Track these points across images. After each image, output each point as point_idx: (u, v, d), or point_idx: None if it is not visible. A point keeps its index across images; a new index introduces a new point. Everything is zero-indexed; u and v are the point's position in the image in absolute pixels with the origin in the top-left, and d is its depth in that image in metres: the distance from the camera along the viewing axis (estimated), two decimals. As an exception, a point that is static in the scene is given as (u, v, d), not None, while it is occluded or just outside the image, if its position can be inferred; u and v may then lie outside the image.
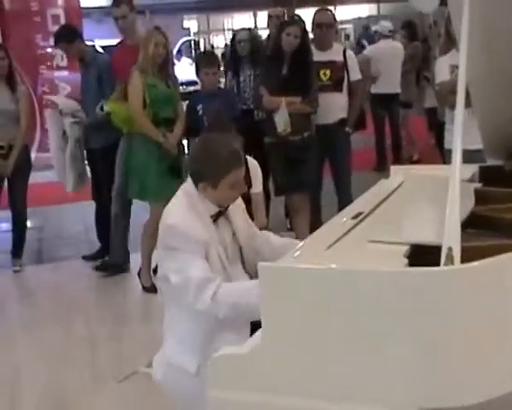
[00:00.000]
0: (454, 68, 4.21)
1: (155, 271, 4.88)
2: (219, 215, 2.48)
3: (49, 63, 7.38)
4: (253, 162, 3.76)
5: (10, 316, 4.75)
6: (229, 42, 5.94)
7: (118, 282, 5.30)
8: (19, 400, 3.49)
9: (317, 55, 5.15)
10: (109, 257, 5.42)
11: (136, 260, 5.15)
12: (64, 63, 6.63)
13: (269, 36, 5.96)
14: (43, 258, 5.91)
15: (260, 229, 2.84)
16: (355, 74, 5.35)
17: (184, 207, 2.43)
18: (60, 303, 4.86)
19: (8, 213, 5.75)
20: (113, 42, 13.57)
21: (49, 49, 7.22)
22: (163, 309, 2.58)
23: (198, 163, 2.46)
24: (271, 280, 1.87)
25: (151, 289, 4.79)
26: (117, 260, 5.34)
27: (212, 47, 22.35)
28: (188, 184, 2.50)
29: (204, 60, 5.20)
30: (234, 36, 5.78)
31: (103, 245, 5.68)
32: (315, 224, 4.39)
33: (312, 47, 5.26)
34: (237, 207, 2.59)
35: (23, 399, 3.50)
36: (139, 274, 4.97)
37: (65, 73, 6.10)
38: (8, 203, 5.61)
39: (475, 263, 1.72)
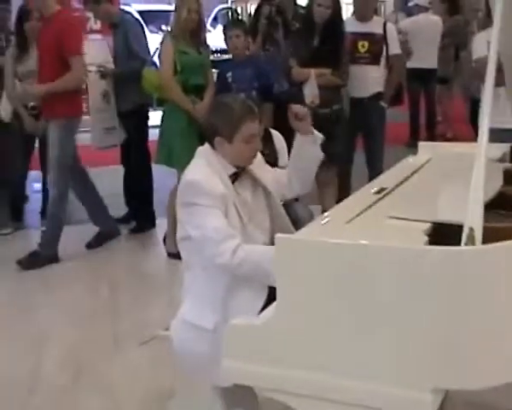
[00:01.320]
0: (492, 44, 4.10)
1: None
2: (237, 176, 2.49)
3: (83, 26, 7.38)
4: (277, 135, 3.72)
5: (36, 276, 4.82)
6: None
7: (143, 247, 5.35)
8: (41, 360, 3.55)
9: (357, 27, 5.06)
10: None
11: (162, 227, 5.17)
12: (98, 26, 6.62)
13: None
14: (72, 220, 5.96)
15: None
16: (394, 48, 5.23)
17: (203, 166, 2.46)
18: (85, 266, 4.92)
19: (39, 174, 5.81)
20: (150, 7, 13.55)
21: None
22: (183, 273, 2.59)
23: (212, 119, 2.51)
24: (288, 252, 1.85)
25: (176, 255, 4.80)
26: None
27: (250, 15, 22.12)
28: (204, 147, 2.53)
29: (228, 23, 5.17)
30: (258, 8, 5.70)
31: (131, 209, 5.72)
32: (343, 197, 4.34)
33: (352, 18, 5.16)
34: (261, 166, 2.61)
35: (45, 359, 3.55)
36: (164, 240, 5.00)
37: (98, 37, 6.10)
38: (40, 164, 5.67)
39: (496, 244, 1.68)
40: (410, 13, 9.26)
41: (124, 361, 3.47)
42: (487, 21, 4.56)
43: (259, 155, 2.62)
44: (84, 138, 5.89)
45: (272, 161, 3.52)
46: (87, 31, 7.99)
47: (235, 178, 2.48)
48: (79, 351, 3.61)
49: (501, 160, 2.75)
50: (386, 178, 2.53)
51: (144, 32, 5.61)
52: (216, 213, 2.35)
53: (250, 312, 2.22)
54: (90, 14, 6.63)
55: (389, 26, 5.30)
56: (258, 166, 2.60)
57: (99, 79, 5.44)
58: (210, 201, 2.35)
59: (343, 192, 5.00)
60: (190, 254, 2.50)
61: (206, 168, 2.44)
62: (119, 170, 5.82)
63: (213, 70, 5.11)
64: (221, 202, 2.37)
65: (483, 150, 1.85)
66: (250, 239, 2.43)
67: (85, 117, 5.46)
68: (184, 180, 2.45)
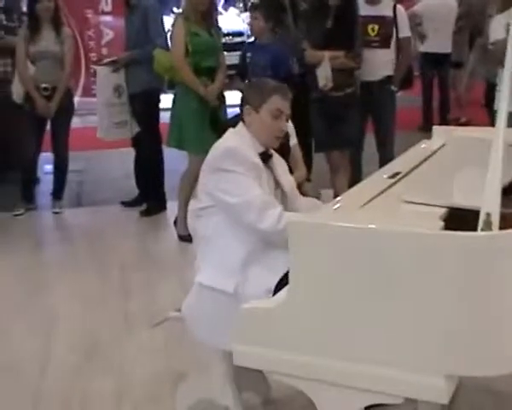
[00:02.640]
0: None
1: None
2: (266, 156, 2.54)
3: (95, 7, 7.33)
4: None
5: (47, 257, 4.84)
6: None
7: (154, 229, 5.35)
8: (52, 340, 3.56)
9: (366, 10, 5.01)
10: None
11: (172, 209, 5.17)
12: (109, 8, 6.59)
13: None
14: (83, 201, 5.98)
15: (300, 184, 2.86)
16: (404, 31, 5.18)
17: (234, 138, 2.52)
18: (96, 247, 4.93)
19: (50, 156, 5.82)
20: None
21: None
22: (196, 248, 2.58)
23: (248, 90, 2.69)
24: (301, 235, 1.84)
25: (186, 238, 4.81)
26: None
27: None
28: (237, 127, 2.58)
29: (251, 6, 5.17)
30: None
31: (142, 192, 5.72)
32: (355, 182, 4.32)
33: (362, 1, 5.11)
34: (281, 165, 2.65)
35: (57, 340, 3.56)
36: (175, 223, 4.99)
37: (109, 18, 6.06)
38: (51, 146, 5.67)
39: (513, 230, 1.66)
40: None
41: (135, 343, 3.48)
42: (505, 4, 4.50)
43: (283, 162, 2.67)
44: (94, 120, 5.89)
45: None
46: (98, 12, 7.94)
47: (264, 158, 2.52)
48: (91, 332, 3.62)
49: (517, 145, 2.71)
50: (400, 163, 2.50)
51: (162, 16, 5.58)
52: (254, 182, 2.40)
53: (269, 280, 2.24)
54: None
55: (399, 8, 5.24)
56: (282, 167, 2.65)
57: (110, 72, 5.42)
58: (248, 169, 2.40)
59: (354, 177, 4.97)
60: (215, 223, 2.47)
61: (237, 140, 2.50)
62: (131, 152, 5.81)
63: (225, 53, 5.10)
64: (256, 173, 2.42)
65: (501, 135, 1.82)
66: None
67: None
68: (221, 147, 2.48)
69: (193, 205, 4.43)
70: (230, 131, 2.58)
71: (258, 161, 2.46)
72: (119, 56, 5.49)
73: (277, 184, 2.59)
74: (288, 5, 5.49)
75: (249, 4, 5.46)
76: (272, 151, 2.60)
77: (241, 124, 2.58)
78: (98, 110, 5.70)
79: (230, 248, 2.42)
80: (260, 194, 2.38)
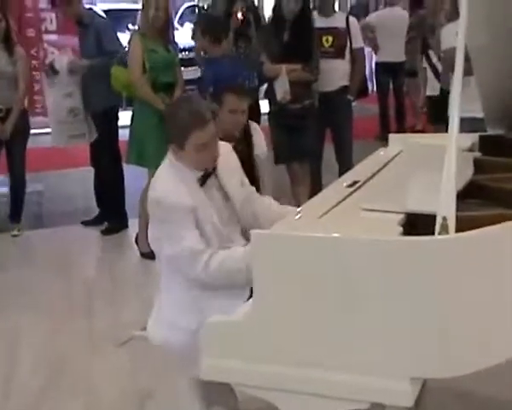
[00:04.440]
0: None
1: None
2: (206, 178, 2.45)
3: (37, 26, 7.21)
4: (252, 124, 3.72)
5: (8, 279, 4.74)
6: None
7: (116, 247, 5.30)
8: (16, 362, 3.50)
9: (320, 22, 5.08)
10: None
11: (134, 227, 5.14)
12: (53, 27, 6.51)
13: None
14: (43, 223, 5.90)
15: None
16: (357, 42, 5.28)
17: (169, 176, 2.42)
18: (58, 268, 4.87)
19: (6, 178, 5.73)
20: (116, 6, 13.37)
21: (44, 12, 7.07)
22: (159, 272, 2.57)
23: (166, 126, 2.50)
24: (264, 247, 1.85)
25: (149, 255, 4.77)
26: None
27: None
28: (166, 162, 2.49)
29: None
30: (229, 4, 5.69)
31: (102, 211, 5.67)
32: (315, 192, 4.35)
33: (315, 13, 5.18)
34: (229, 169, 2.55)
35: (21, 361, 3.51)
36: (137, 241, 4.96)
37: (54, 37, 6.00)
38: (7, 168, 5.59)
39: (470, 232, 1.70)
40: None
41: (100, 362, 3.44)
42: (454, 13, 4.60)
43: (233, 159, 2.60)
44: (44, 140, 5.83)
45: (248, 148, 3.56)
46: (42, 31, 7.84)
47: (203, 181, 2.44)
48: (55, 353, 3.57)
49: (470, 149, 2.78)
50: (358, 172, 2.54)
51: (116, 32, 5.58)
52: (186, 228, 2.32)
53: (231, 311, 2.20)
54: (46, 15, 6.48)
55: (351, 19, 5.34)
56: (228, 172, 2.54)
57: (63, 98, 5.37)
58: (179, 215, 2.32)
59: (314, 187, 5.01)
60: (163, 260, 2.47)
61: (172, 179, 2.40)
62: (90, 171, 5.76)
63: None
64: (190, 214, 2.34)
65: (454, 140, 1.86)
66: (229, 241, 2.43)
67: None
68: (151, 197, 2.41)
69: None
70: (162, 167, 2.48)
71: (190, 200, 2.35)
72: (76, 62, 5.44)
73: (227, 196, 2.52)
74: (251, 19, 5.53)
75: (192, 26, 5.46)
76: (216, 163, 2.48)
77: (170, 157, 2.46)
78: (51, 124, 5.63)
79: (185, 287, 2.40)
80: (190, 244, 2.31)
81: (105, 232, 5.48)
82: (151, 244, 2.55)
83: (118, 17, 12.98)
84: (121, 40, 5.45)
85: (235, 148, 2.78)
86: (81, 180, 6.26)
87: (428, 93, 6.74)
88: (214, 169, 2.49)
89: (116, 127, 5.51)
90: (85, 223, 5.68)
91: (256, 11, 5.60)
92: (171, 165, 2.45)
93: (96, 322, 3.92)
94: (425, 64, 6.09)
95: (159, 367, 3.17)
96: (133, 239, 5.05)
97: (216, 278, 2.32)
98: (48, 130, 5.40)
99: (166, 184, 2.39)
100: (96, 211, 5.72)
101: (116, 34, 5.45)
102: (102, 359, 3.47)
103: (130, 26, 10.78)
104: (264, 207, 2.64)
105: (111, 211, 5.58)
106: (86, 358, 3.50)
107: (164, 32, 4.76)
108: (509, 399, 2.90)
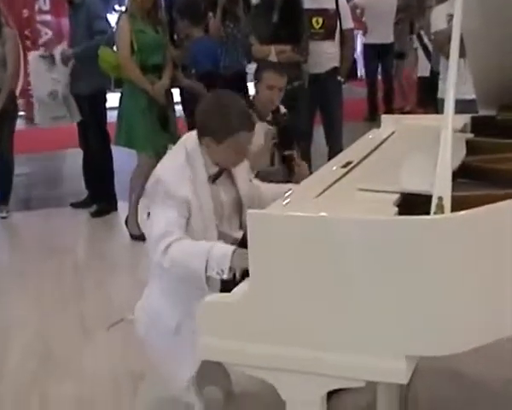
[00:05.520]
0: (451, 17, 4.15)
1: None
2: (218, 176, 2.45)
3: (31, 6, 7.16)
4: None
5: (-1, 263, 4.74)
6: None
7: (106, 230, 5.29)
8: (5, 347, 3.49)
9: (310, 3, 5.06)
10: None
11: (123, 209, 5.12)
12: (47, 7, 6.46)
13: None
14: (31, 205, 5.87)
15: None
16: (347, 23, 5.27)
17: (178, 162, 2.39)
18: (47, 251, 4.85)
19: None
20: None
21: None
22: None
23: (208, 116, 2.39)
24: (260, 228, 1.85)
25: (139, 237, 4.78)
26: None
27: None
28: (190, 138, 2.45)
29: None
30: None
31: (91, 193, 5.65)
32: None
33: (305, -6, 5.16)
34: (241, 168, 2.55)
35: (10, 346, 3.50)
36: (126, 223, 4.95)
37: (47, 17, 5.94)
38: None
39: (465, 212, 1.71)
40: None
41: (92, 345, 3.44)
42: (444, -5, 4.60)
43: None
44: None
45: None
46: (36, 11, 7.78)
47: (215, 178, 2.44)
48: (46, 337, 3.56)
49: (462, 130, 2.79)
50: (351, 152, 2.54)
51: (106, 13, 5.53)
52: (167, 212, 2.29)
53: None
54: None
55: (341, 0, 5.32)
56: (242, 170, 2.54)
57: (48, 75, 5.33)
58: (170, 201, 2.30)
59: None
60: None
61: (180, 166, 2.37)
62: (79, 153, 5.73)
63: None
64: (183, 204, 2.31)
65: (449, 121, 1.87)
66: (223, 238, 2.41)
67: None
68: (154, 174, 2.41)
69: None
70: (182, 143, 2.45)
71: (187, 194, 2.32)
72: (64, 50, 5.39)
73: (237, 192, 2.51)
74: None
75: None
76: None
77: (197, 143, 2.41)
78: (35, 104, 5.61)
79: (172, 279, 2.37)
80: (162, 226, 2.27)
81: (94, 214, 5.47)
82: (141, 226, 2.55)
83: (105, -3, 12.89)
84: (110, 23, 5.41)
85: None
86: (70, 162, 6.23)
87: (420, 74, 6.77)
88: (224, 169, 2.48)
89: (104, 109, 5.49)
90: (74, 205, 5.66)
91: None
92: (185, 152, 2.40)
93: (87, 305, 3.92)
94: (416, 45, 6.10)
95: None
96: (123, 221, 5.04)
97: (168, 263, 2.26)
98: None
99: (172, 168, 2.38)
100: (85, 193, 5.69)
101: (106, 15, 5.40)
102: (94, 341, 3.47)
103: (116, 6, 10.69)
104: (257, 193, 2.62)
105: (100, 193, 5.57)
106: (77, 341, 3.49)
107: (153, 12, 4.72)
108: (498, 377, 2.93)
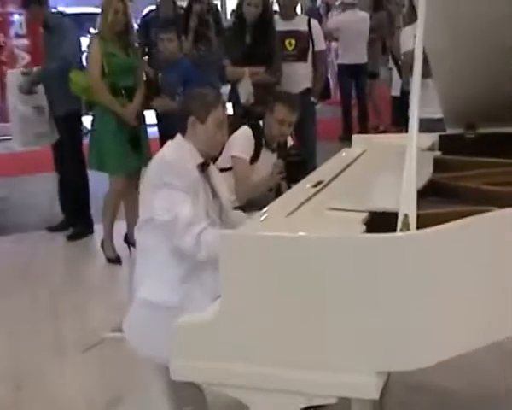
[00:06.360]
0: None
1: (125, 238, 4.87)
2: (204, 166, 2.58)
3: (6, 31, 7.14)
4: None
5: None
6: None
7: (82, 253, 5.26)
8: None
9: (282, 25, 5.13)
10: None
11: (100, 232, 5.11)
12: (23, 31, 6.43)
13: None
14: (7, 229, 5.83)
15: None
16: (320, 44, 5.35)
17: (177, 149, 2.55)
18: (24, 274, 4.81)
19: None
20: (77, 10, 13.24)
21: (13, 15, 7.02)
22: (136, 262, 2.58)
23: (187, 102, 2.69)
24: (232, 247, 1.87)
25: (115, 260, 4.78)
26: None
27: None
28: (175, 139, 2.61)
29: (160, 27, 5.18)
30: (189, 5, 5.70)
31: (67, 216, 5.63)
32: (280, 193, 4.39)
33: (277, 17, 5.23)
34: (217, 174, 2.71)
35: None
36: (102, 246, 4.93)
37: (24, 42, 5.90)
38: None
39: (430, 229, 1.75)
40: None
41: (67, 369, 3.41)
42: (412, 16, 4.70)
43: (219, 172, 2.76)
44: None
45: None
46: (11, 36, 7.78)
47: (202, 168, 2.56)
48: (21, 361, 3.53)
49: (430, 149, 2.85)
50: (322, 172, 2.58)
51: (79, 36, 5.54)
52: (187, 200, 2.41)
53: (214, 292, 2.21)
54: (15, 19, 6.42)
55: (313, 22, 5.40)
56: (218, 177, 2.70)
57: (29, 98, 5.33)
58: (185, 184, 2.41)
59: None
60: (154, 236, 2.48)
61: (181, 152, 2.53)
62: (54, 176, 5.71)
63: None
64: (193, 188, 2.44)
65: (414, 140, 1.91)
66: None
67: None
68: (162, 160, 2.51)
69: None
70: (168, 143, 2.61)
71: (196, 174, 2.50)
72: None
73: (215, 193, 2.63)
74: (211, 22, 5.56)
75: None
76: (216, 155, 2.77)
77: (179, 136, 2.60)
78: (13, 125, 5.57)
79: (168, 263, 2.43)
80: (188, 212, 2.39)
81: (70, 238, 5.44)
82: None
83: (79, 21, 12.87)
84: (82, 45, 5.42)
85: None
86: (45, 186, 6.19)
87: (393, 93, 6.88)
88: (209, 164, 2.62)
89: (79, 131, 5.48)
90: (50, 229, 5.63)
91: (216, 13, 5.61)
92: (178, 144, 2.58)
93: (63, 328, 3.89)
94: (390, 64, 6.19)
95: (126, 371, 3.17)
96: (99, 244, 5.02)
97: (203, 251, 2.35)
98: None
99: (177, 153, 2.52)
100: (61, 217, 5.67)
101: (79, 39, 5.40)
102: (69, 364, 3.45)
103: (91, 30, 10.70)
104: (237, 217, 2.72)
105: (76, 216, 5.54)
106: (52, 365, 3.46)
107: (124, 35, 4.73)
108: (459, 389, 2.97)
